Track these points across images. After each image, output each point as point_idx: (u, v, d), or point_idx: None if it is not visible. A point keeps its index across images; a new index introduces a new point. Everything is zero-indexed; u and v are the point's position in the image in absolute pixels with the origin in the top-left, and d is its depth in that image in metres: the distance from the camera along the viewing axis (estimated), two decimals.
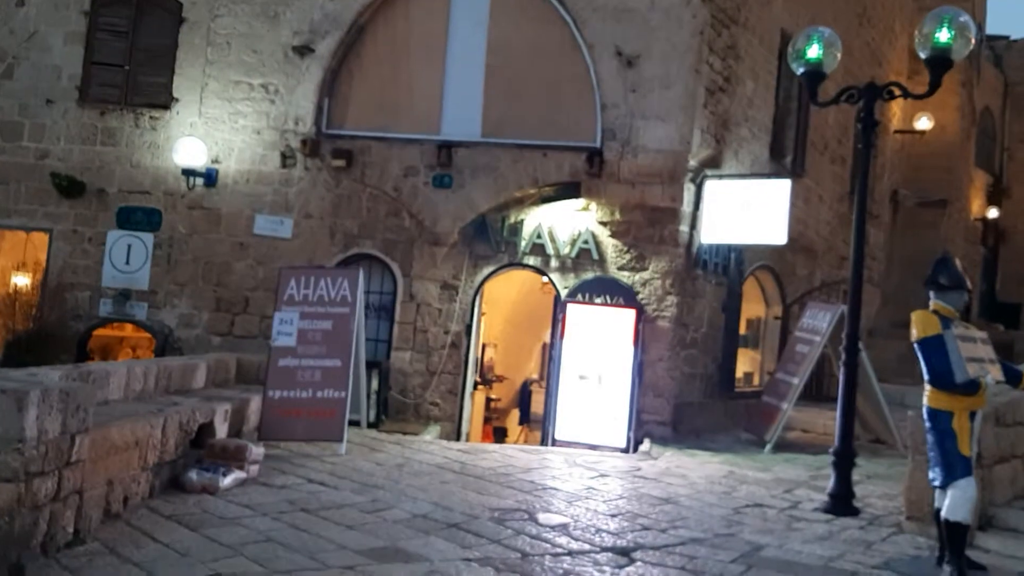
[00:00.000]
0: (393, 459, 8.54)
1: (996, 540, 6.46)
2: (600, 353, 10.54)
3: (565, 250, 10.86)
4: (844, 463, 7.50)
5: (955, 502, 5.60)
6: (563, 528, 6.33)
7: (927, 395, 5.82)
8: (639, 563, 5.67)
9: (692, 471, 8.95)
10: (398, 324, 11.15)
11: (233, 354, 10.33)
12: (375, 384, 10.62)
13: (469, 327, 11.09)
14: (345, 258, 11.24)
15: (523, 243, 10.94)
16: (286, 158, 11.57)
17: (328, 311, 9.15)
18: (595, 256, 10.75)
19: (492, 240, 10.96)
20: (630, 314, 10.51)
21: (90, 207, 12.15)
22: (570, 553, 5.77)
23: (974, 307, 27.75)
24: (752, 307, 14.00)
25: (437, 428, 10.79)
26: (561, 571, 5.36)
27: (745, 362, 13.96)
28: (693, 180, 10.60)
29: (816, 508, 7.53)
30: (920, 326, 5.76)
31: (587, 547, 5.93)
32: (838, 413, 7.66)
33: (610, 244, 10.79)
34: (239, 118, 11.75)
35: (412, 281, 11.13)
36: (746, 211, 10.49)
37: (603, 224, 10.78)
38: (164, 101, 12.05)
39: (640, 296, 10.69)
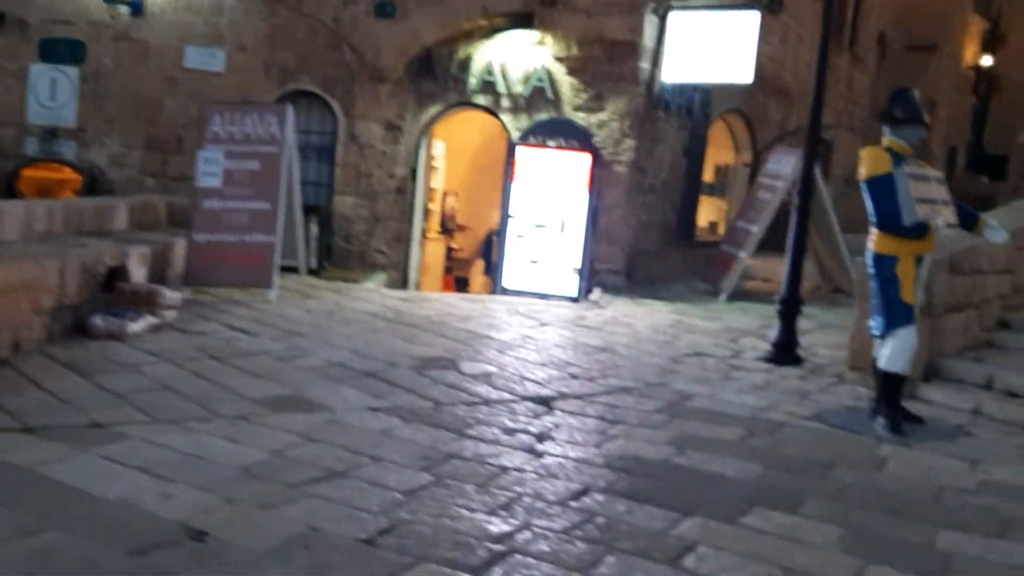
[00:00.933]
0: (325, 306, 8.22)
1: (940, 391, 6.25)
2: (552, 200, 10.09)
3: (518, 88, 10.21)
4: (789, 312, 7.22)
5: (893, 352, 5.33)
6: (486, 377, 6.07)
7: (873, 239, 5.45)
8: (557, 412, 5.43)
9: (639, 320, 8.70)
10: (340, 167, 10.61)
11: (163, 196, 9.84)
12: (315, 229, 10.20)
13: (415, 171, 10.56)
14: (282, 95, 10.56)
15: (472, 80, 10.27)
16: None
17: (255, 150, 8.60)
18: (549, 95, 10.12)
19: (439, 77, 10.28)
20: (585, 158, 10.00)
21: (10, 39, 11.35)
22: (487, 402, 5.52)
23: (960, 158, 27.33)
24: (720, 153, 13.48)
25: (383, 276, 10.46)
26: (472, 420, 5.11)
27: (710, 211, 13.57)
28: (655, 11, 9.84)
29: (759, 357, 7.31)
30: (869, 163, 5.33)
31: (507, 396, 5.68)
32: (786, 260, 7.33)
33: (566, 82, 10.14)
34: None
35: (354, 121, 10.51)
36: (711, 47, 9.81)
37: (559, 60, 10.09)
38: None
39: (596, 139, 10.14)
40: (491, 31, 10.07)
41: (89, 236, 7.74)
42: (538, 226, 10.22)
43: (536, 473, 4.31)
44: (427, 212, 11.46)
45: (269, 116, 8.72)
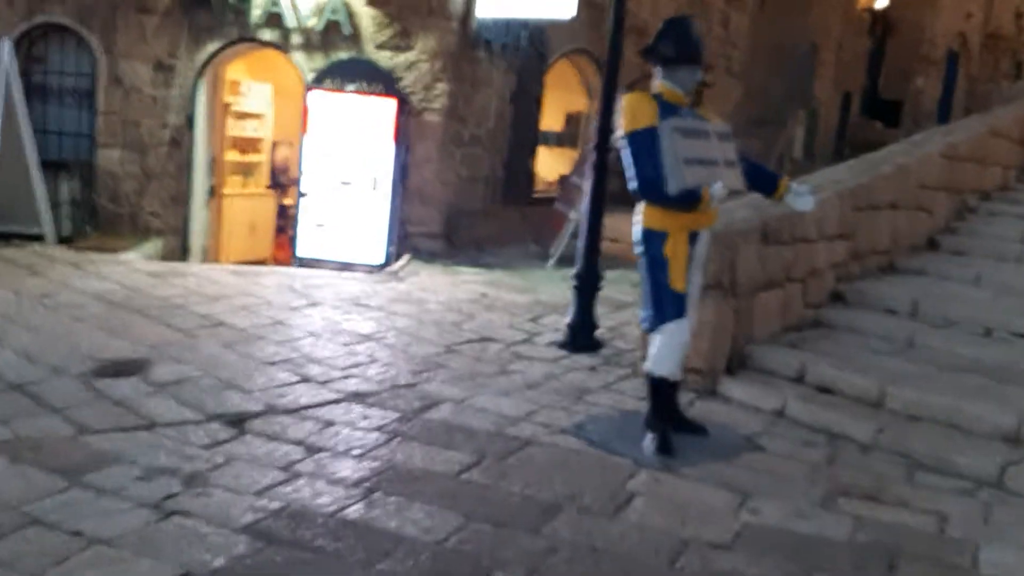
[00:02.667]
0: (46, 286, 6.85)
1: (743, 386, 5.33)
2: (353, 153, 8.87)
3: (310, 22, 8.86)
4: (586, 288, 6.22)
5: (660, 352, 4.35)
6: (177, 386, 4.87)
7: (640, 210, 4.42)
8: (248, 436, 4.29)
9: (436, 295, 7.61)
10: (102, 115, 9.13)
11: None
12: (72, 189, 8.75)
13: (192, 119, 9.14)
14: (29, 29, 8.99)
15: (256, 12, 8.87)
16: None
17: None
18: (347, 31, 8.81)
19: (215, 6, 8.84)
20: (390, 105, 8.78)
21: None
22: (153, 426, 4.33)
23: (855, 104, 26.92)
24: (572, 99, 12.40)
25: (158, 243, 9.10)
26: (111, 456, 3.92)
27: (561, 163, 12.50)
28: None
29: (554, 342, 6.32)
30: (630, 115, 4.25)
31: (188, 416, 4.50)
32: (583, 226, 6.30)
33: (366, 15, 8.84)
34: None
35: (117, 60, 9.02)
36: None
37: None
38: None
39: (404, 83, 8.91)
40: None
41: None
42: (344, 184, 8.99)
43: (131, 549, 3.16)
44: (214, 165, 9.96)
45: None
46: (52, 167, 8.54)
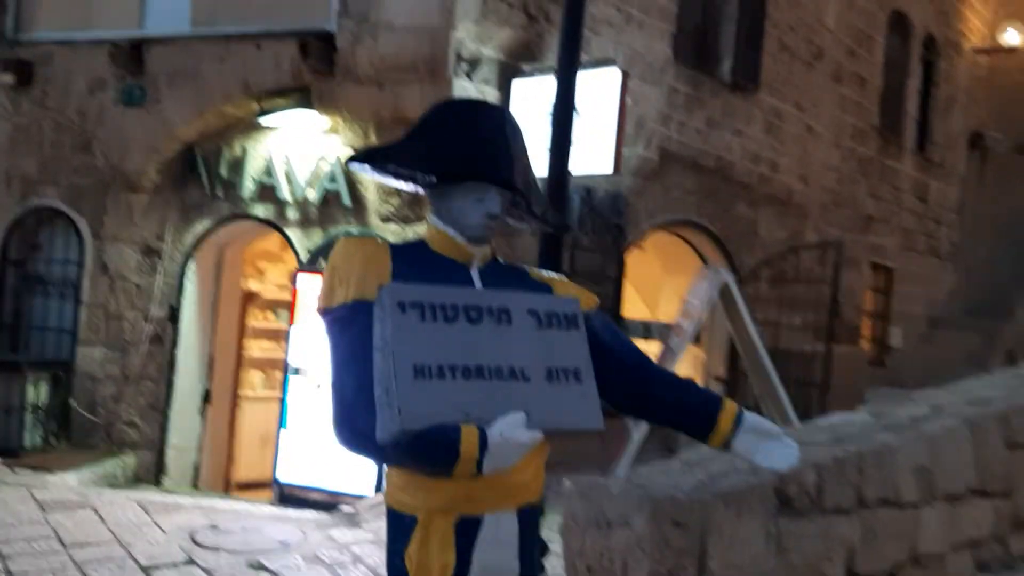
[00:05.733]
0: None
1: None
2: None
3: (306, 193, 7.51)
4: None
5: None
6: None
7: (384, 471, 2.30)
8: None
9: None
10: (86, 307, 8.08)
11: None
12: (39, 393, 7.62)
13: (175, 311, 7.86)
14: (24, 213, 8.29)
15: (249, 185, 7.64)
16: None
17: None
18: (347, 201, 7.36)
19: (205, 182, 7.72)
20: None
21: None
22: None
23: None
24: (684, 283, 10.24)
25: (128, 460, 7.69)
26: None
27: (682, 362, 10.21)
28: (471, 74, 6.99)
29: None
30: (328, 278, 2.21)
31: None
32: None
33: (370, 184, 7.36)
34: None
35: (104, 244, 8.04)
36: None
37: (355, 151, 7.37)
38: None
39: None
40: (260, 114, 7.51)
41: None
42: (318, 387, 7.31)
43: None
44: (213, 365, 8.49)
45: None
46: (18, 368, 7.50)
